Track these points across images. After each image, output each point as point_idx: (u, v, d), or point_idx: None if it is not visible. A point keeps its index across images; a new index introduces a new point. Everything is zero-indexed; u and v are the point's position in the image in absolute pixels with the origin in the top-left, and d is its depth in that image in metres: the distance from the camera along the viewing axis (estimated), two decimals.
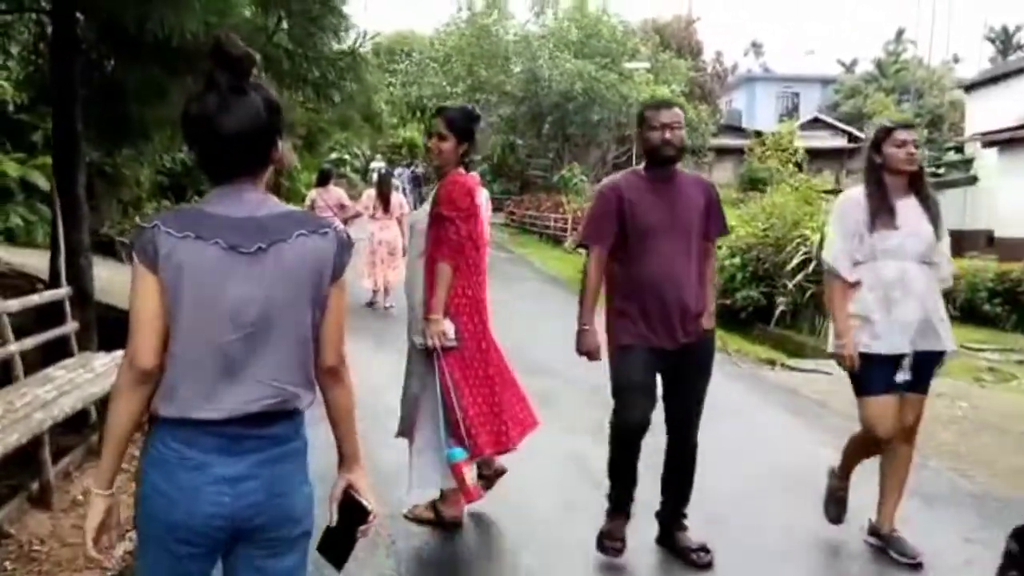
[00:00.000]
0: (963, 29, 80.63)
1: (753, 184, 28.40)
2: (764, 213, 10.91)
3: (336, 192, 10.91)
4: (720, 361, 8.27)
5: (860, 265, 3.35)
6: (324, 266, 1.68)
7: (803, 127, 33.26)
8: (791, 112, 44.55)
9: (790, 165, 21.91)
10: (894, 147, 3.32)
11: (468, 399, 3.67)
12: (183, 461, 1.62)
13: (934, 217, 3.40)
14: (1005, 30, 45.98)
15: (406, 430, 3.83)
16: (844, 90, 46.31)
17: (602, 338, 3.55)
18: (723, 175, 31.38)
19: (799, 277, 9.32)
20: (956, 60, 49.68)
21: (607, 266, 3.44)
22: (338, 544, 1.81)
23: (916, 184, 3.42)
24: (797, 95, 47.47)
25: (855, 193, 3.43)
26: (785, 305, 9.63)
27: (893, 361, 3.36)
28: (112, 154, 10.13)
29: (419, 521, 3.86)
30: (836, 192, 11.38)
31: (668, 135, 3.32)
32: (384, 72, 27.21)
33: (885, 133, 3.37)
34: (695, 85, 30.00)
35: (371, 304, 10.16)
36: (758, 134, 31.10)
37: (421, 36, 32.76)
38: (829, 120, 35.84)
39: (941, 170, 17.47)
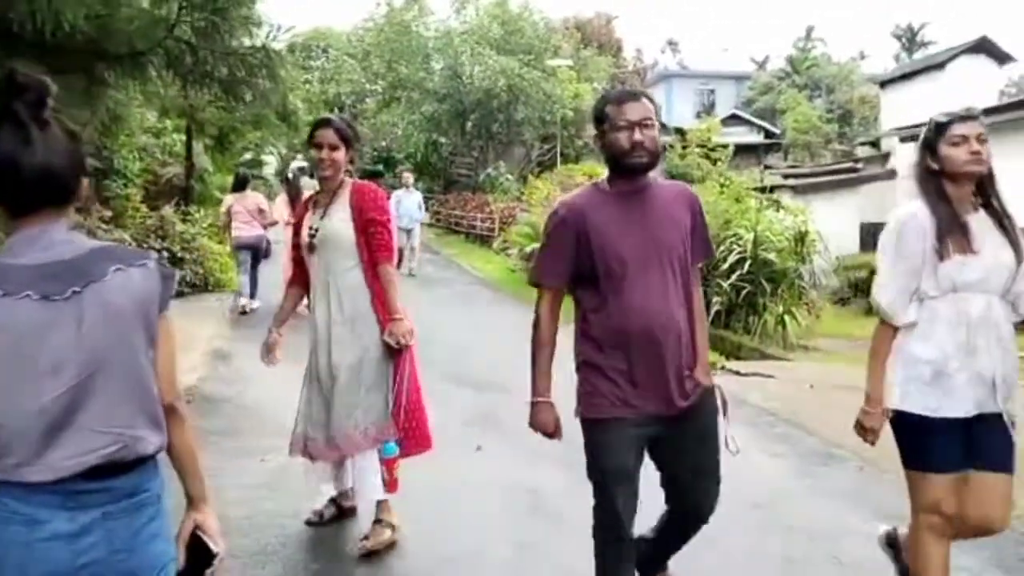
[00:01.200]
0: (869, 26, 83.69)
1: (673, 179, 28.66)
2: None
3: (254, 197, 10.66)
4: None
5: (932, 300, 2.53)
6: (148, 300, 1.61)
7: (722, 123, 33.77)
8: (708, 109, 45.30)
9: (717, 163, 22.04)
10: (950, 146, 2.52)
11: (414, 396, 3.74)
12: (13, 516, 1.49)
13: (1012, 236, 2.57)
14: (910, 27, 47.83)
15: (351, 442, 3.59)
16: (758, 86, 47.33)
17: (565, 402, 2.82)
18: None
19: (734, 277, 9.18)
20: (863, 56, 51.50)
21: (575, 310, 2.75)
22: None
23: (985, 192, 2.61)
24: (713, 92, 48.32)
25: (916, 210, 2.55)
26: (720, 305, 9.49)
27: (963, 425, 2.54)
28: None
29: (377, 550, 3.63)
30: (762, 190, 11.35)
31: (638, 135, 2.52)
32: (300, 69, 26.29)
33: (938, 130, 2.57)
34: (616, 82, 30.04)
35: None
36: (679, 131, 31.38)
37: (339, 32, 31.85)
38: (746, 116, 36.50)
39: (859, 164, 17.81)
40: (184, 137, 14.91)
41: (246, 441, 5.18)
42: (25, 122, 1.51)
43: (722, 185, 11.06)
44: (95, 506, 1.55)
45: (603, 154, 2.67)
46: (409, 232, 14.31)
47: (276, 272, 10.86)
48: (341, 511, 3.96)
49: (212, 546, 1.76)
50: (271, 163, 25.03)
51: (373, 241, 3.55)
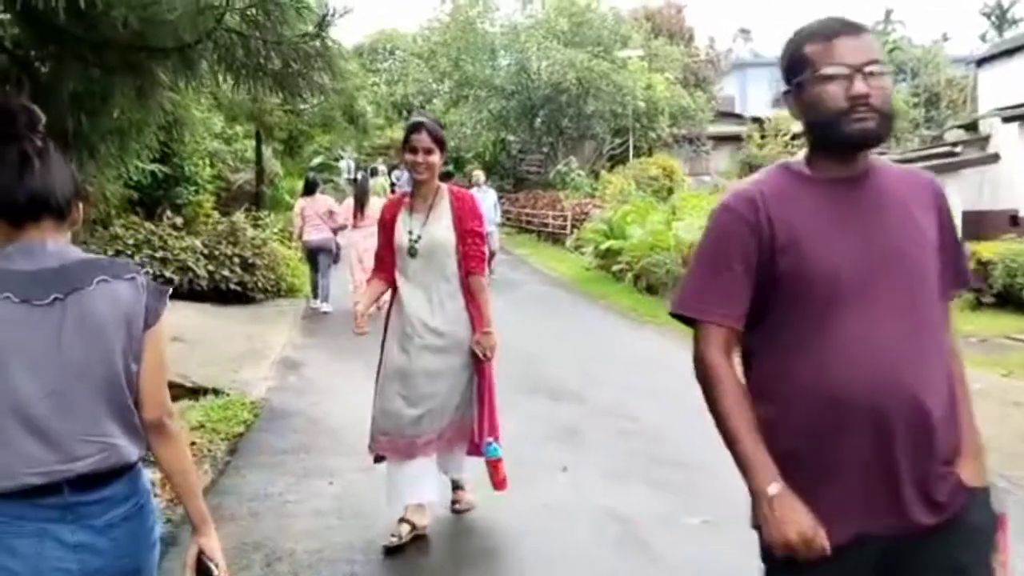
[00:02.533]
0: (950, 7, 79.82)
1: (752, 171, 27.59)
2: None
3: (324, 200, 10.95)
4: None
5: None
6: (133, 313, 1.62)
7: None
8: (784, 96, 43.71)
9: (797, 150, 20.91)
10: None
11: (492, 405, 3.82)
12: (20, 529, 1.54)
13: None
14: (1000, 5, 45.37)
15: (442, 440, 3.68)
16: None
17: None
18: (722, 163, 30.54)
19: None
20: (946, 38, 49.03)
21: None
22: None
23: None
24: None
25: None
26: None
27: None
28: (81, 169, 9.26)
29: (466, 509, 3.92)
30: None
31: (861, 86, 1.56)
32: (367, 72, 26.30)
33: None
34: (689, 72, 29.14)
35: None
36: (756, 120, 30.25)
37: (404, 34, 31.84)
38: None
39: (958, 148, 16.60)
40: (254, 142, 14.90)
41: (315, 460, 4.84)
42: (29, 142, 1.59)
43: None
44: (92, 517, 1.59)
45: (801, 119, 1.66)
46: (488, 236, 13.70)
47: (345, 275, 10.76)
48: (414, 528, 3.69)
49: (214, 569, 1.76)
50: (343, 167, 25.05)
51: (470, 251, 3.62)
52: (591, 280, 14.11)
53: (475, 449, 3.75)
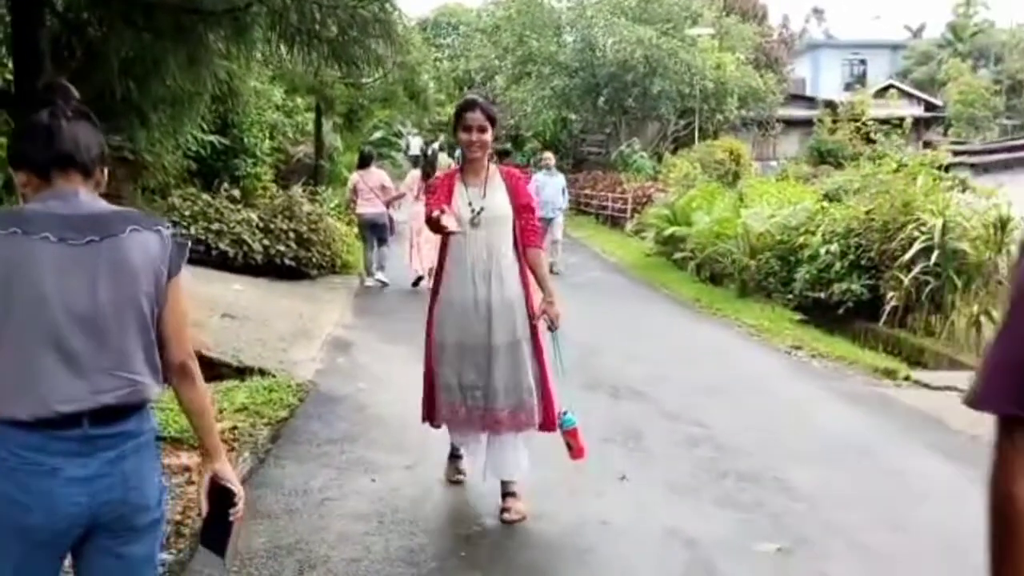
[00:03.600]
0: None
1: (822, 157, 26.56)
2: (867, 193, 9.46)
3: (378, 174, 10.80)
4: (824, 373, 6.99)
5: None
6: (159, 261, 1.75)
7: (876, 95, 31.13)
8: (859, 80, 42.16)
9: (890, 136, 19.89)
10: None
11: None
12: (36, 467, 1.64)
13: None
14: None
15: (510, 421, 3.66)
16: (915, 56, 43.66)
17: None
18: (790, 148, 29.49)
19: (917, 269, 7.88)
20: None
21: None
22: (217, 533, 1.90)
23: None
24: (864, 62, 45.03)
25: None
26: (896, 300, 8.21)
27: None
28: (133, 138, 9.17)
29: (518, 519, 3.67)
30: (947, 168, 9.87)
31: None
32: (430, 46, 26.00)
33: None
34: (761, 52, 28.11)
35: (416, 284, 9.79)
36: (829, 104, 29.08)
37: (468, 8, 31.41)
38: (905, 87, 33.50)
39: None
40: (314, 115, 14.73)
41: (359, 452, 4.57)
42: (60, 108, 1.75)
43: (899, 163, 9.65)
44: (108, 449, 1.70)
45: None
46: (550, 222, 11.92)
47: (404, 248, 10.61)
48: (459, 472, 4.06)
49: (232, 487, 1.87)
50: (409, 143, 24.70)
51: (527, 225, 3.70)
52: (651, 267, 13.63)
53: (549, 424, 3.73)
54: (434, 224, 3.50)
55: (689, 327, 9.03)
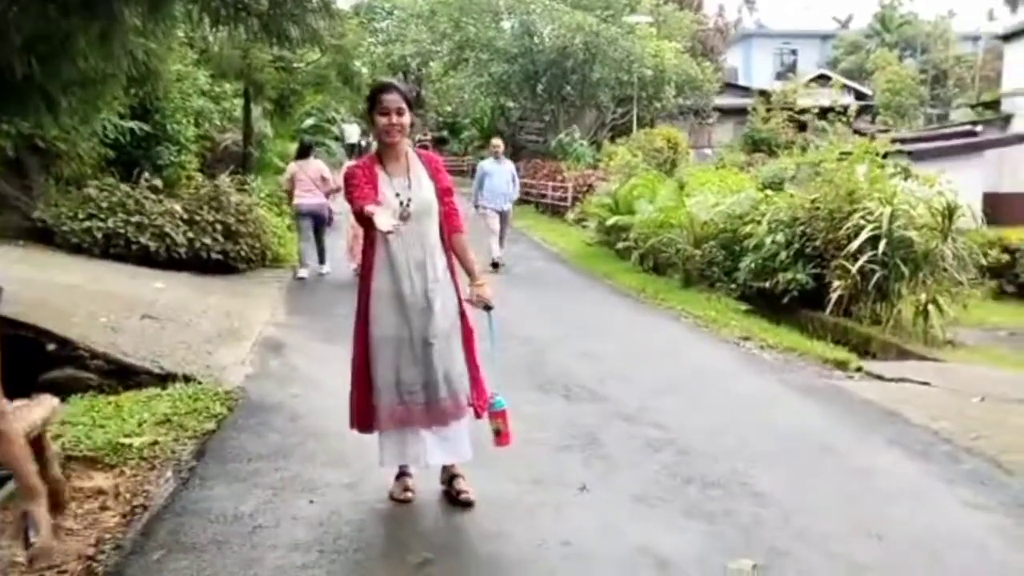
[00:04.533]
0: None
1: (756, 145, 26.82)
2: (814, 182, 9.39)
3: (317, 165, 10.64)
4: (776, 365, 6.84)
5: None
6: None
7: (807, 84, 31.57)
8: (790, 69, 42.88)
9: (838, 123, 20.08)
10: None
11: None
12: None
13: None
14: None
15: (453, 409, 3.62)
16: (844, 45, 44.61)
17: None
18: (724, 136, 29.75)
19: (864, 258, 7.80)
20: (951, 14, 48.02)
21: None
22: None
23: None
24: (795, 52, 45.86)
25: None
26: (843, 289, 8.14)
27: None
28: (41, 123, 8.47)
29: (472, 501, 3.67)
30: (884, 156, 9.86)
31: None
32: (365, 31, 25.24)
33: None
34: (697, 41, 28.20)
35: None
36: (763, 93, 29.37)
37: None
38: (836, 76, 34.10)
39: (979, 128, 15.91)
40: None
41: (295, 468, 4.18)
42: None
43: (842, 151, 9.59)
44: None
45: None
46: (502, 215, 11.45)
47: (340, 242, 10.31)
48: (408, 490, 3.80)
49: (32, 536, 1.98)
50: (347, 131, 23.94)
51: (449, 209, 3.63)
52: (593, 256, 13.43)
53: (481, 407, 3.67)
54: (366, 221, 3.34)
55: (636, 320, 8.82)
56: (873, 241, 7.82)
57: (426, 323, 3.51)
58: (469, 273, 3.66)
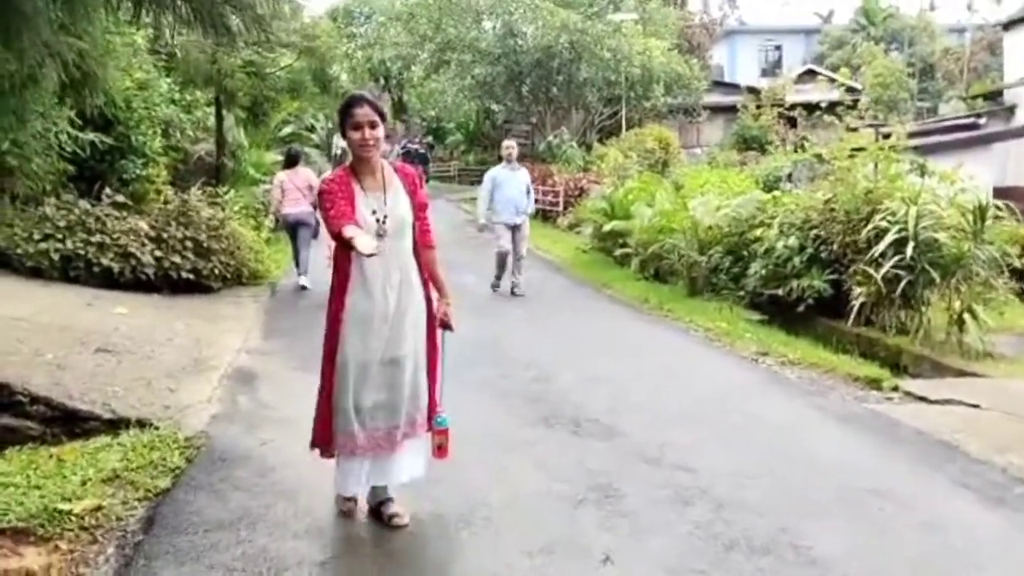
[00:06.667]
0: None
1: (747, 143, 26.28)
2: (827, 180, 8.77)
3: (305, 174, 10.61)
4: (802, 386, 6.20)
5: None
6: None
7: (796, 80, 31.14)
8: (775, 65, 42.51)
9: (848, 117, 19.50)
10: None
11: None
12: None
13: None
14: None
15: (414, 429, 3.58)
16: (830, 40, 44.21)
17: None
18: (713, 135, 29.22)
19: (890, 263, 7.16)
20: (932, 7, 47.73)
21: None
22: None
23: None
24: (779, 48, 45.53)
25: None
26: (865, 296, 7.51)
27: None
28: None
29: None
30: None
31: None
32: (342, 36, 24.52)
33: None
34: (683, 38, 27.64)
35: None
36: (752, 90, 28.85)
37: None
38: (825, 72, 33.71)
39: (983, 120, 15.39)
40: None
41: (260, 541, 3.48)
42: None
43: (854, 148, 8.99)
44: None
45: None
46: (515, 230, 9.74)
47: (324, 252, 9.76)
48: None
49: None
50: (332, 142, 23.24)
51: (424, 225, 3.59)
52: (590, 264, 12.78)
53: (429, 424, 3.63)
54: (344, 242, 3.16)
55: (643, 334, 8.16)
56: (898, 244, 7.20)
57: (398, 341, 3.45)
58: (438, 290, 3.63)
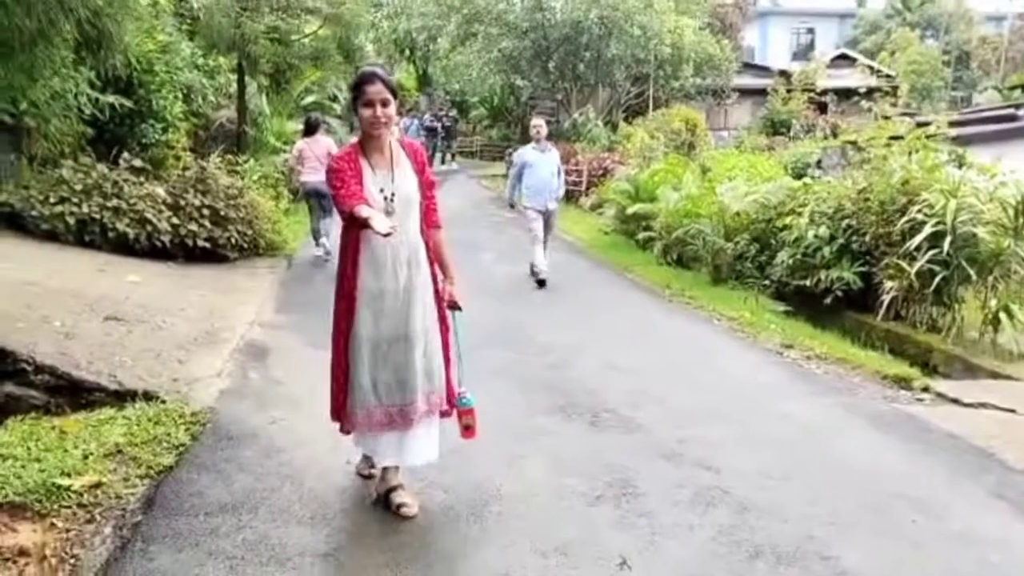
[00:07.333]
0: None
1: (775, 128, 25.78)
2: (860, 170, 8.48)
3: (325, 142, 10.27)
4: (829, 382, 5.98)
5: None
6: None
7: (828, 65, 30.50)
8: (807, 49, 41.70)
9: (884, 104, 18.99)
10: None
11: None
12: None
13: None
14: None
15: (428, 408, 3.53)
16: (863, 25, 43.30)
17: None
18: (742, 118, 28.67)
19: (925, 257, 6.90)
20: None
21: None
22: None
23: None
24: (812, 31, 44.63)
25: None
26: (897, 291, 7.26)
27: None
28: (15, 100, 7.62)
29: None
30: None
31: None
32: (369, 5, 24.24)
33: None
34: (715, 17, 27.07)
35: None
36: (783, 73, 28.28)
37: None
38: (858, 56, 32.96)
39: (1021, 111, 14.87)
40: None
41: (262, 528, 3.36)
42: None
43: (891, 136, 8.68)
44: None
45: None
46: (546, 216, 9.25)
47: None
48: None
49: None
50: (335, 107, 23.04)
51: (431, 204, 3.58)
52: (612, 247, 12.54)
53: (450, 405, 3.61)
54: (357, 222, 3.12)
55: (665, 322, 7.95)
56: (934, 238, 6.93)
57: (408, 319, 3.43)
58: (443, 270, 3.60)
